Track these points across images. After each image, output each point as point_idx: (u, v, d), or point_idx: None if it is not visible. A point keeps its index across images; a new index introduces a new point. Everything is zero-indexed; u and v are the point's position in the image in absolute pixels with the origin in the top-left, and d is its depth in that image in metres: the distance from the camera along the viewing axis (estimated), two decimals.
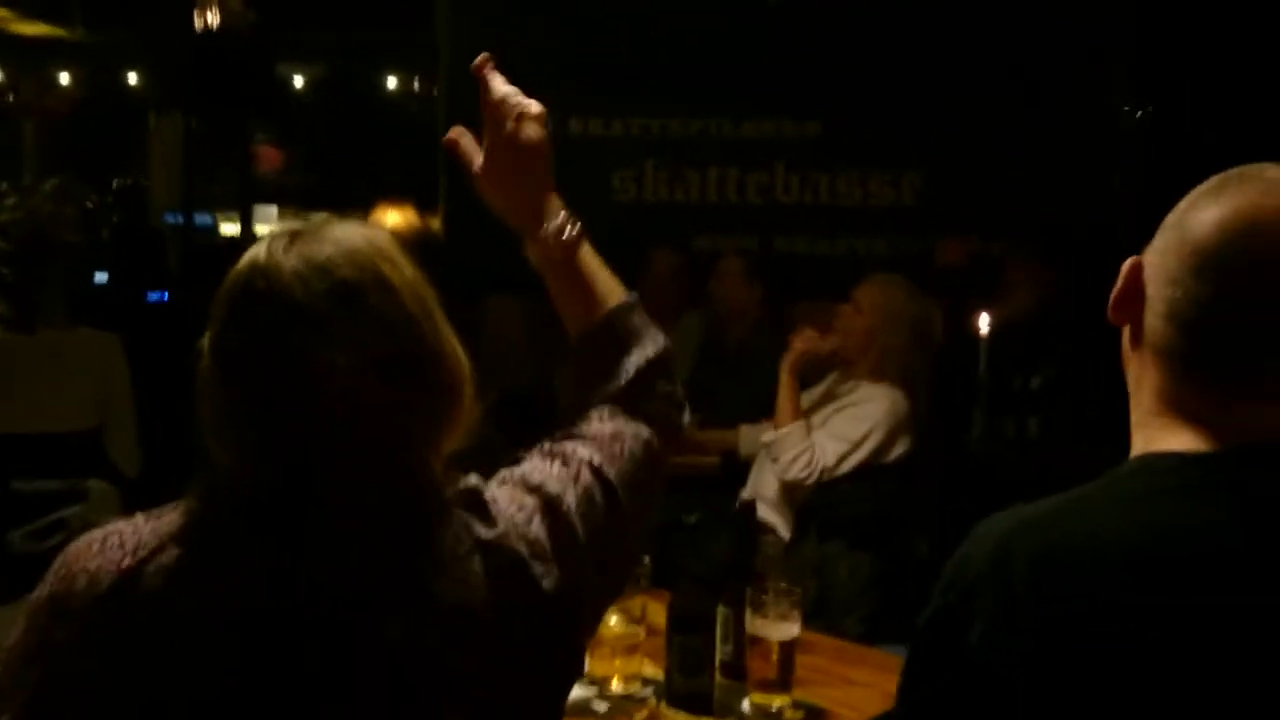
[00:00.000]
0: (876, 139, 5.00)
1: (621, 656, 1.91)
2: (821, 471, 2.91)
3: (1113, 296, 1.14)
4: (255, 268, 1.05)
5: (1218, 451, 1.04)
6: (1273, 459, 1.03)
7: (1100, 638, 0.98)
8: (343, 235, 1.08)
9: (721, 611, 1.90)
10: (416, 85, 7.52)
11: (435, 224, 5.03)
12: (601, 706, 1.84)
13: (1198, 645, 0.98)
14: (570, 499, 1.15)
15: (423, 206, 5.03)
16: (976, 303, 3.36)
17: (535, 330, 4.87)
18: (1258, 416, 1.05)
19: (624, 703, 1.86)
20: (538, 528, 1.12)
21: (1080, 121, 4.82)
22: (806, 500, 2.96)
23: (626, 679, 1.90)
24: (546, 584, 1.10)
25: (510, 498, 1.14)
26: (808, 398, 3.10)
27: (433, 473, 1.09)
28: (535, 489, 1.15)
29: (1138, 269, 1.11)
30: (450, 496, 1.10)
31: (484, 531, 1.09)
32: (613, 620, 1.91)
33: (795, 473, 2.92)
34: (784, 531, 3.00)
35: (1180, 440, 1.07)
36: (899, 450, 2.94)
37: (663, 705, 1.85)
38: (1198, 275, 1.05)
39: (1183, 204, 1.10)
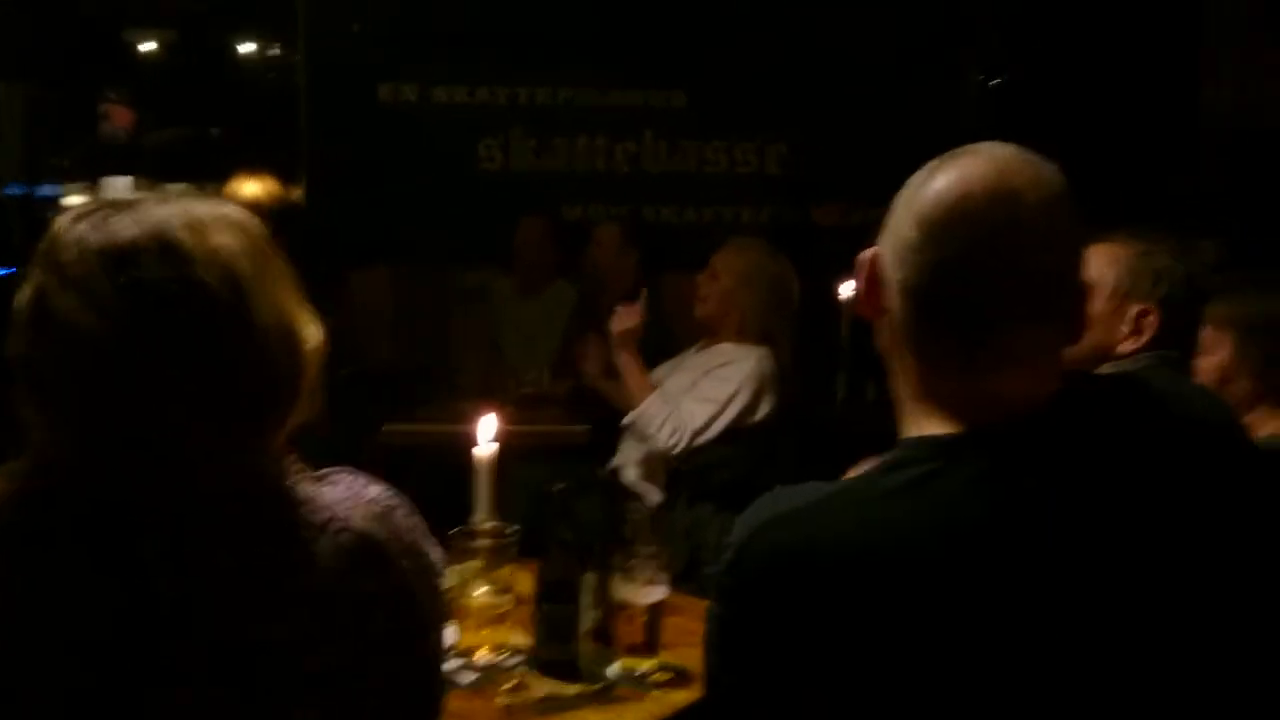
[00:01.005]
0: (742, 108, 5.03)
1: (489, 626, 1.90)
2: (692, 435, 2.93)
3: (858, 291, 1.15)
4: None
5: (962, 435, 1.06)
6: (1014, 437, 1.04)
7: (834, 640, 0.99)
8: (146, 214, 1.02)
9: (588, 578, 1.90)
10: (275, 51, 7.29)
11: (296, 194, 4.91)
12: (468, 678, 1.83)
13: (940, 644, 0.98)
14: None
15: (283, 176, 4.89)
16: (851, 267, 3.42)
17: (403, 303, 4.82)
18: (997, 389, 1.06)
19: (491, 672, 1.85)
20: (399, 514, 1.10)
21: (938, 90, 4.93)
22: (676, 465, 2.98)
23: (494, 649, 1.89)
24: (404, 565, 1.07)
25: (365, 482, 1.11)
26: (671, 365, 3.12)
27: (263, 458, 1.04)
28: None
29: (877, 259, 1.13)
30: (289, 482, 1.05)
31: (325, 516, 1.04)
32: (480, 590, 1.89)
33: (665, 441, 2.94)
34: (655, 497, 3.02)
35: (931, 425, 1.08)
36: (765, 410, 2.97)
37: (531, 673, 1.84)
38: (923, 250, 1.08)
39: (907, 186, 1.13)
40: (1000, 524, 1.01)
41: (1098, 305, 2.04)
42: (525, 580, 1.95)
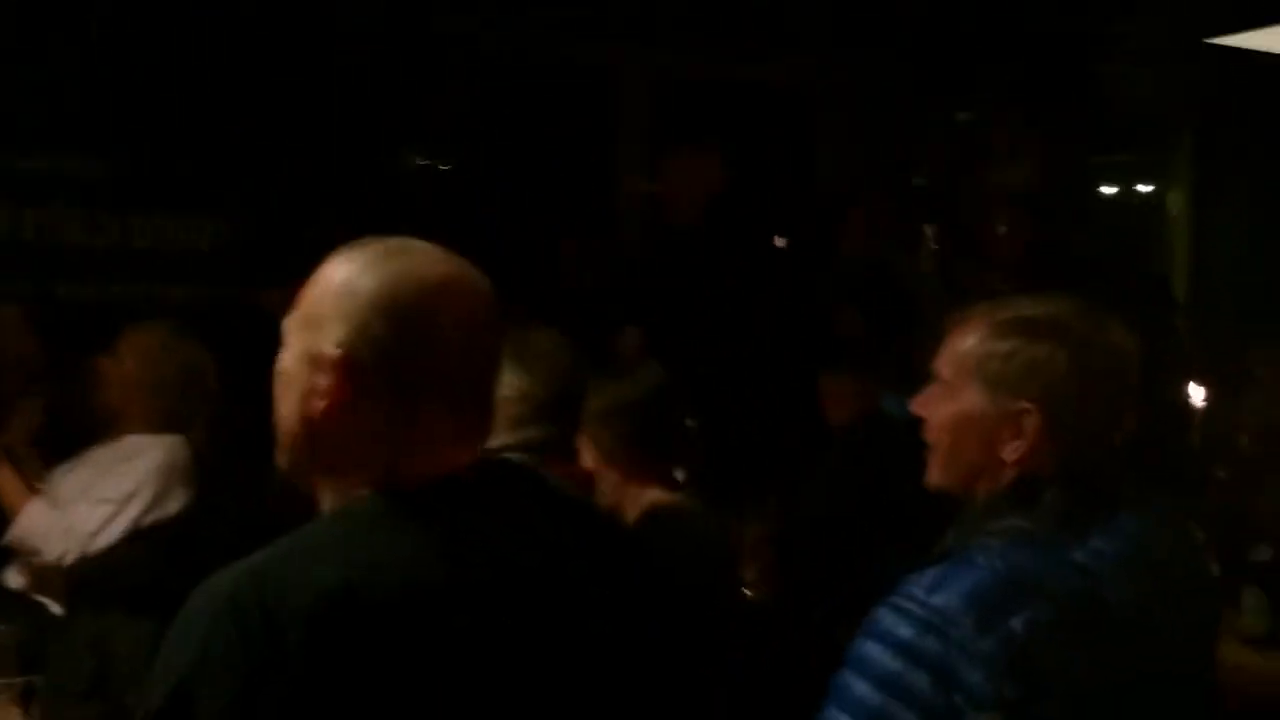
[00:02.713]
0: (173, 179, 4.75)
1: None
2: (84, 541, 2.66)
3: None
4: None
5: (404, 492, 1.12)
6: (446, 501, 1.13)
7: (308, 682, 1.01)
8: None
9: None
10: None
11: None
12: None
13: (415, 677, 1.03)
14: None
15: None
16: None
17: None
18: (423, 470, 1.14)
19: None
20: None
21: (380, 170, 4.96)
22: (77, 571, 2.69)
23: None
24: None
25: None
26: (71, 465, 2.84)
27: None
28: None
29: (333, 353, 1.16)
30: None
31: None
32: None
33: (54, 553, 2.65)
34: (54, 609, 2.71)
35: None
36: (177, 504, 2.76)
37: None
38: (358, 332, 1.14)
39: (328, 276, 1.20)
40: (442, 576, 1.08)
41: None
42: None
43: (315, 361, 1.14)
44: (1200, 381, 3.72)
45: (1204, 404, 3.69)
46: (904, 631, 1.41)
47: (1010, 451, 1.53)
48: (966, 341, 1.60)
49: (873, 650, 1.43)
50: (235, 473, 3.09)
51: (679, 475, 2.74)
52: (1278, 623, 2.60)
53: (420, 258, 1.17)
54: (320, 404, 1.14)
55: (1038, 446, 1.52)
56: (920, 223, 5.58)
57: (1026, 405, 1.53)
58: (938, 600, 1.40)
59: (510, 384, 2.11)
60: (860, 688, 1.42)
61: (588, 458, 2.42)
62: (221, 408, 2.98)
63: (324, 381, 1.13)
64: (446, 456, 1.14)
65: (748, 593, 3.05)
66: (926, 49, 5.53)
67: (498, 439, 2.15)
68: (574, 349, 2.25)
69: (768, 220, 5.30)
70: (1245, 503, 3.12)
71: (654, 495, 2.53)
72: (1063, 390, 1.52)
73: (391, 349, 1.12)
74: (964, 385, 1.58)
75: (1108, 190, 7.15)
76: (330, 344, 1.14)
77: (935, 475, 1.63)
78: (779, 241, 5.31)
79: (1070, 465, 1.52)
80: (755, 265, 4.53)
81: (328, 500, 1.16)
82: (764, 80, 5.59)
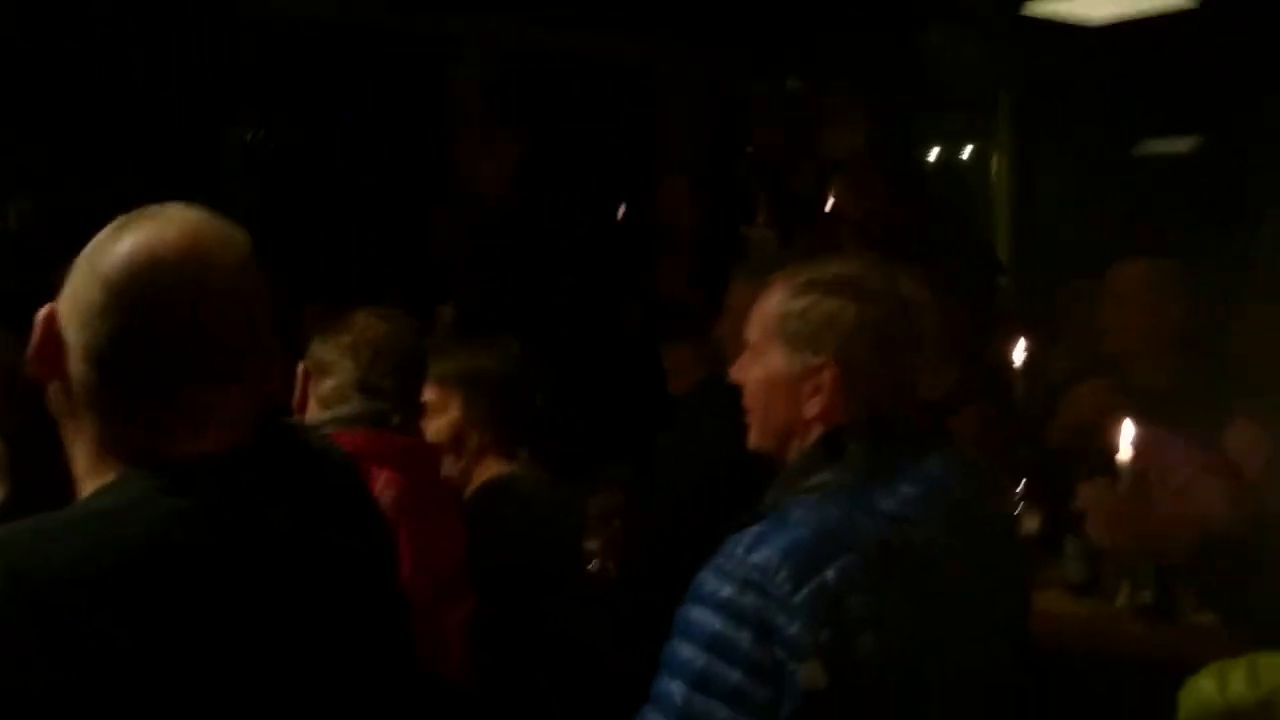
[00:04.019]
0: None
1: None
2: None
3: (31, 351, 1.14)
4: None
5: (164, 470, 1.08)
6: (206, 479, 1.09)
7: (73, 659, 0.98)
8: None
9: None
10: None
11: None
12: None
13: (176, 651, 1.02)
14: None
15: None
16: None
17: None
18: (183, 449, 1.10)
19: None
20: None
21: (201, 148, 4.77)
22: None
23: None
24: None
25: None
26: None
27: None
28: None
29: (52, 317, 1.12)
30: None
31: None
32: None
33: None
34: None
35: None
36: None
37: None
38: (107, 314, 1.09)
39: (90, 246, 1.13)
40: (205, 554, 1.05)
41: None
42: None
43: (64, 348, 1.10)
44: (1022, 338, 3.85)
45: (1025, 360, 3.82)
46: (725, 591, 1.44)
47: (812, 407, 1.59)
48: (769, 304, 1.65)
49: (696, 613, 1.46)
50: (52, 465, 2.96)
51: (524, 450, 2.74)
52: (1096, 570, 2.71)
53: (164, 227, 1.10)
54: (73, 389, 1.10)
55: (836, 400, 1.58)
56: (755, 190, 5.65)
57: (823, 360, 1.58)
58: (756, 558, 1.44)
59: (336, 360, 2.10)
60: (686, 651, 1.45)
61: (442, 421, 2.40)
62: (35, 399, 2.84)
63: (75, 368, 1.09)
64: (210, 431, 1.10)
65: (593, 564, 3.06)
66: (756, 19, 5.58)
67: (326, 413, 2.12)
68: (406, 323, 2.22)
69: (603, 194, 5.29)
70: (1068, 454, 3.24)
71: (497, 467, 2.53)
72: (855, 343, 1.58)
73: (131, 329, 1.07)
74: (769, 347, 1.64)
75: (932, 155, 7.37)
76: (74, 330, 1.10)
77: (754, 438, 1.68)
78: (620, 213, 5.31)
79: (871, 416, 1.58)
80: (580, 240, 4.51)
81: (88, 483, 1.12)
82: (601, 51, 5.57)
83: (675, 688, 1.45)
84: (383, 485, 2.08)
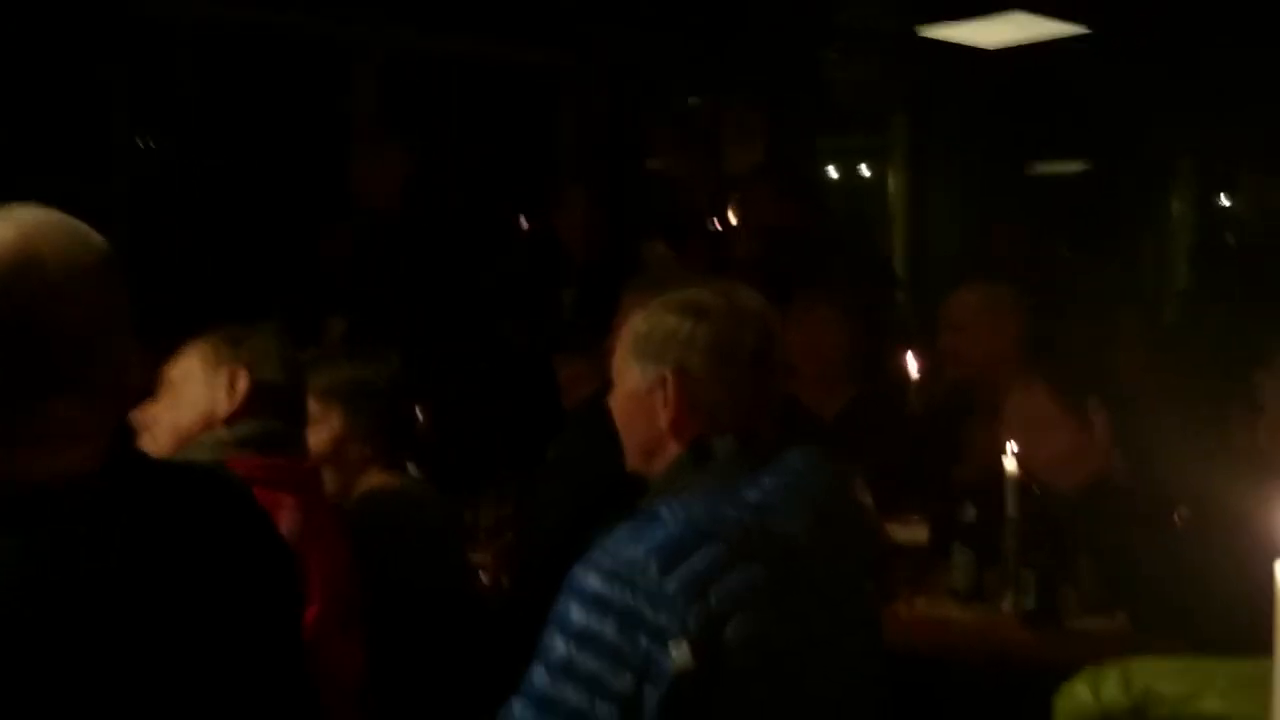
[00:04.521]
0: None
1: None
2: None
3: None
4: None
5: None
6: (52, 507, 1.03)
7: None
8: None
9: None
10: None
11: None
12: None
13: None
14: None
15: None
16: None
17: None
18: (30, 463, 1.04)
19: None
20: None
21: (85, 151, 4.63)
22: None
23: None
24: None
25: None
26: None
27: None
28: None
29: None
30: None
31: None
32: None
33: None
34: None
35: None
36: None
37: None
38: None
39: None
40: (54, 585, 1.00)
41: None
42: None
43: None
44: (918, 352, 3.91)
45: (919, 373, 3.87)
46: (593, 584, 1.48)
47: (663, 417, 1.67)
48: (628, 329, 1.76)
49: (566, 607, 1.50)
50: None
51: (411, 466, 2.70)
52: (982, 578, 2.75)
53: (2, 228, 1.05)
54: None
55: (682, 406, 1.66)
56: (655, 206, 5.67)
57: (665, 370, 1.67)
58: (626, 553, 1.49)
59: (220, 380, 2.05)
60: (556, 645, 1.48)
61: (323, 434, 2.36)
62: None
63: None
64: (51, 444, 1.04)
65: (483, 577, 3.01)
66: (659, 33, 5.61)
67: (212, 435, 2.06)
68: (287, 339, 2.17)
69: (503, 202, 5.26)
70: (954, 466, 3.30)
71: (378, 479, 2.49)
72: (691, 353, 1.67)
73: None
74: (627, 368, 1.73)
75: (832, 173, 7.48)
76: None
77: (627, 459, 1.77)
78: (523, 223, 5.28)
79: (722, 423, 1.66)
80: (475, 250, 4.46)
81: None
82: (503, 60, 5.54)
83: (537, 674, 1.49)
84: (288, 512, 2.03)
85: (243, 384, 2.06)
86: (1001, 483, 2.66)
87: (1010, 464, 2.64)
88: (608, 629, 1.46)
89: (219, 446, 2.00)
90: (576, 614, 1.48)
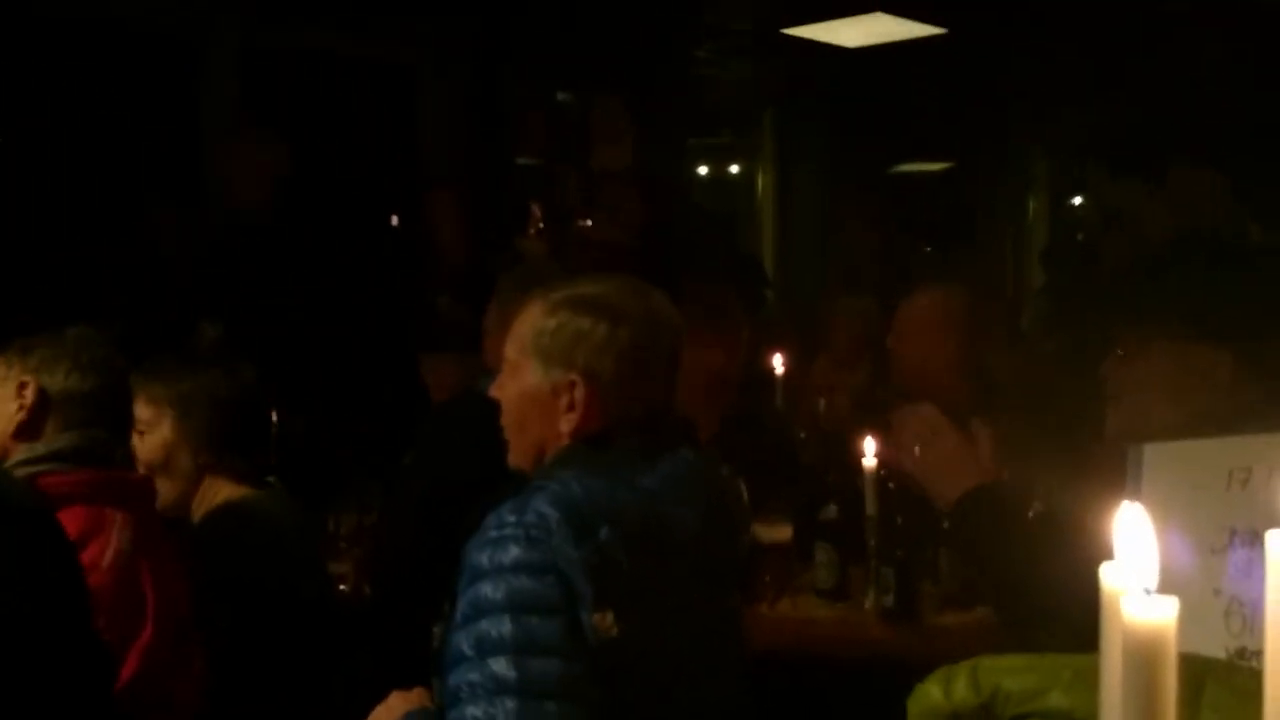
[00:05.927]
0: None
1: None
2: None
3: None
4: None
5: None
6: None
7: None
8: None
9: None
10: None
11: None
12: None
13: None
14: None
15: None
16: None
17: None
18: None
19: None
20: None
21: None
22: None
23: None
24: None
25: None
26: None
27: None
28: None
29: None
30: None
31: None
32: None
33: None
34: None
35: None
36: None
37: None
38: None
39: None
40: None
41: None
42: None
43: None
44: (784, 350, 3.93)
45: (784, 371, 3.89)
46: (511, 553, 1.44)
47: (566, 422, 1.63)
48: (524, 322, 1.68)
49: (487, 587, 1.44)
50: None
51: (265, 473, 2.60)
52: (845, 576, 2.77)
53: None
54: None
55: (590, 415, 1.63)
56: (526, 203, 5.60)
57: (573, 375, 1.62)
58: (530, 516, 1.47)
59: (9, 392, 1.96)
60: (491, 625, 1.42)
61: (154, 441, 2.26)
62: None
63: None
64: None
65: (343, 586, 2.93)
66: (528, 28, 5.54)
67: (38, 446, 1.95)
68: (113, 345, 2.07)
69: (365, 201, 5.14)
70: (819, 465, 3.31)
71: (228, 490, 2.40)
72: (604, 359, 1.63)
73: None
74: (524, 364, 1.67)
75: (702, 171, 7.51)
76: None
77: (511, 457, 1.71)
78: (393, 221, 5.16)
79: (627, 426, 1.64)
80: (341, 250, 4.33)
81: None
82: (362, 54, 5.40)
83: (499, 666, 1.40)
84: (116, 530, 1.94)
85: (30, 393, 1.95)
86: (862, 481, 2.68)
87: (869, 462, 2.66)
88: (548, 588, 1.44)
89: (27, 463, 1.90)
90: (508, 586, 1.43)
